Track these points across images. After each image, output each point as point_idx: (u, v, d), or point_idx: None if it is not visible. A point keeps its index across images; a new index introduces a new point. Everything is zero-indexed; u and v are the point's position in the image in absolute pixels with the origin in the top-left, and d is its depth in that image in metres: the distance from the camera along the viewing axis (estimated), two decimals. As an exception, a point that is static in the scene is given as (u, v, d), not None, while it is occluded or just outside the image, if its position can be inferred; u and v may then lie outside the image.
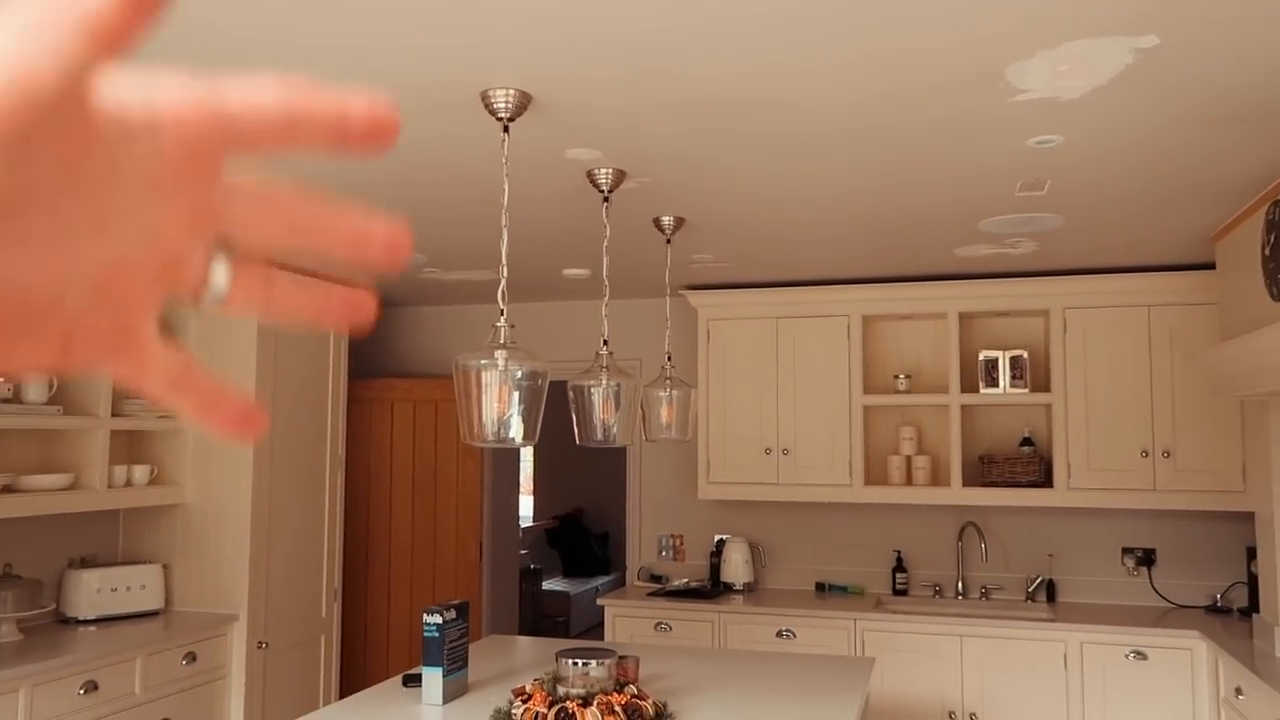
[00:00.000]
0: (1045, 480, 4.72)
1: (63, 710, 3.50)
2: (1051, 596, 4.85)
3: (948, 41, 2.04)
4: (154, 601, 4.26)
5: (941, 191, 3.27)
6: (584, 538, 9.30)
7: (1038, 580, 4.85)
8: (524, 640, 3.79)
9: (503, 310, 2.27)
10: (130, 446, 4.52)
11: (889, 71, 2.22)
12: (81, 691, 3.56)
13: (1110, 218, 3.62)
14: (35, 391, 3.84)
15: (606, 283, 3.01)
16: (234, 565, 4.39)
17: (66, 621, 4.06)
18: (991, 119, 2.53)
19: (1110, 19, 1.93)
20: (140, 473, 4.27)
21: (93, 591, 4.07)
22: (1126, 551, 4.79)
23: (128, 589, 4.18)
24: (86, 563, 4.30)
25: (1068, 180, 3.11)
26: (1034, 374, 4.88)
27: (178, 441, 4.49)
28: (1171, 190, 3.24)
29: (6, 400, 3.73)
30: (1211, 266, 4.39)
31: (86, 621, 4.05)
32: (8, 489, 3.75)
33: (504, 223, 2.32)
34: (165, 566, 4.45)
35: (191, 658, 4.09)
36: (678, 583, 5.21)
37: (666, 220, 3.62)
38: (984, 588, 4.96)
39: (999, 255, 4.32)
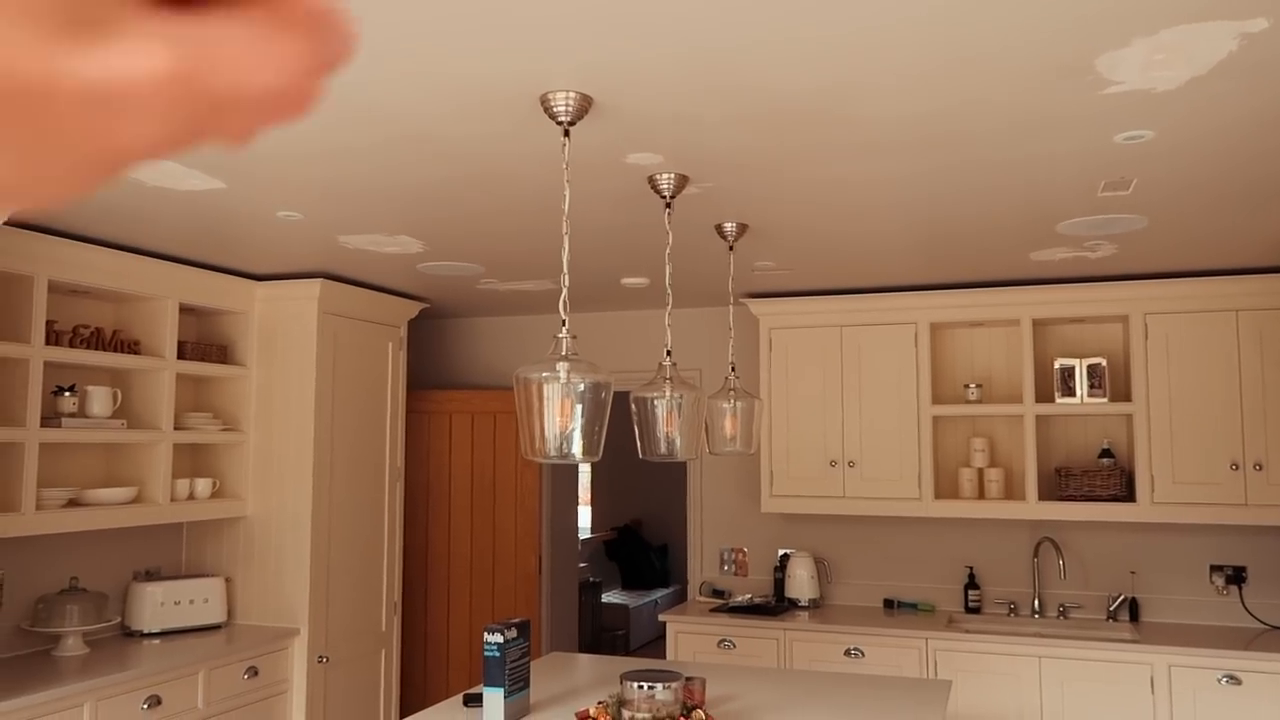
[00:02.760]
0: (1127, 494, 4.51)
1: (126, 725, 3.50)
2: (1135, 616, 4.62)
3: (1032, 35, 1.92)
4: (216, 615, 4.26)
5: (1017, 194, 3.12)
6: (642, 550, 9.21)
7: (1120, 599, 4.63)
8: (585, 658, 3.70)
9: (564, 320, 2.19)
10: (193, 460, 4.54)
11: (965, 75, 2.10)
12: (145, 706, 3.56)
13: (1198, 217, 3.43)
14: (100, 405, 3.86)
15: (670, 291, 2.92)
16: (295, 579, 4.38)
17: (131, 634, 4.08)
18: (1077, 115, 2.39)
19: (1215, 1, 1.79)
20: (203, 486, 4.29)
21: (157, 605, 4.09)
22: (1215, 569, 4.55)
23: (191, 602, 4.19)
24: (151, 576, 4.32)
25: (1155, 178, 2.94)
26: (1113, 382, 4.67)
27: (239, 454, 4.50)
28: (1266, 187, 3.05)
29: (72, 415, 3.75)
30: (1305, 268, 4.16)
31: (151, 635, 4.06)
32: (73, 503, 3.78)
33: (565, 230, 2.24)
34: (228, 580, 4.46)
35: (253, 672, 4.08)
36: (741, 598, 5.08)
37: (729, 227, 3.52)
38: (1062, 606, 4.75)
39: (1076, 259, 4.13)
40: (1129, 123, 2.44)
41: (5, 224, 3.38)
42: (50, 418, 3.68)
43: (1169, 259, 4.14)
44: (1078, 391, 4.59)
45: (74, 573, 4.01)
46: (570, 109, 2.24)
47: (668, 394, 2.77)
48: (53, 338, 3.67)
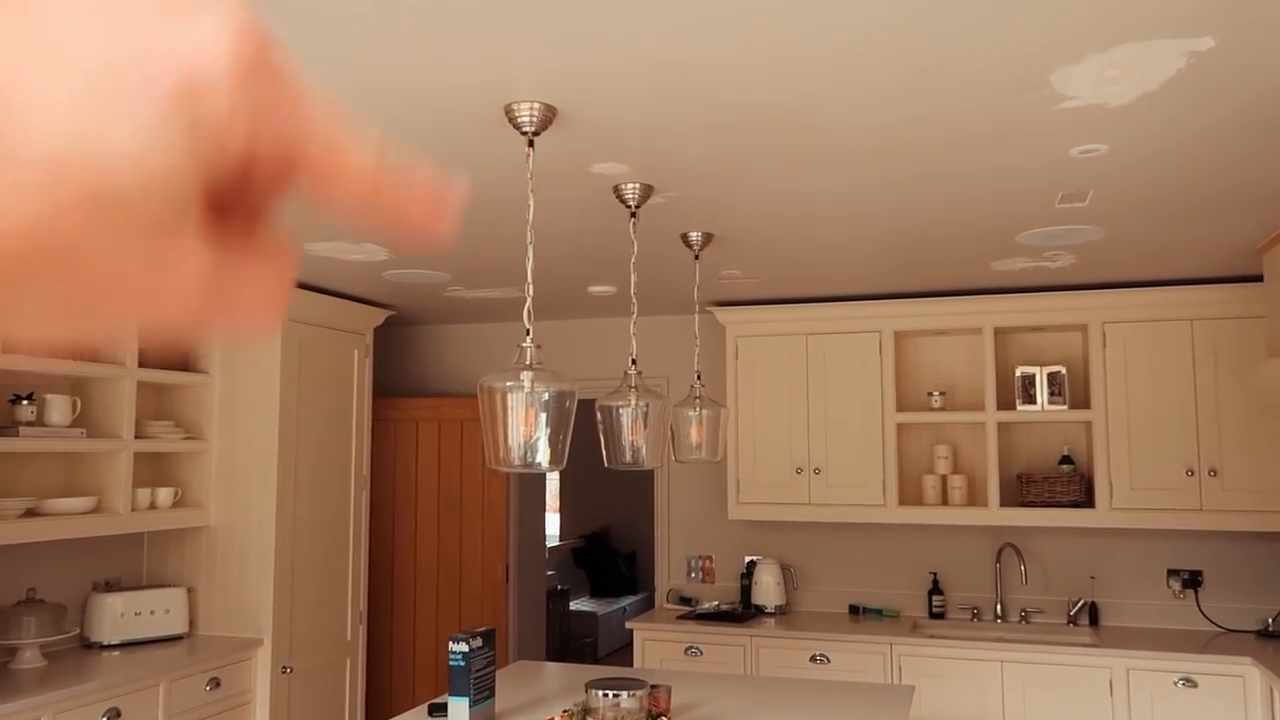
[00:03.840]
0: (1086, 500, 4.58)
1: (85, 738, 3.44)
2: (1094, 620, 4.70)
3: (990, 49, 1.96)
4: (178, 626, 4.21)
5: (978, 205, 3.17)
6: (611, 557, 9.20)
7: (1080, 603, 4.71)
8: (552, 666, 3.70)
9: (528, 330, 2.19)
10: (155, 469, 4.49)
11: (926, 89, 2.13)
12: (104, 719, 3.51)
13: (1153, 229, 3.51)
14: (58, 413, 3.81)
15: (635, 300, 2.93)
16: (258, 588, 4.34)
17: (90, 646, 4.02)
18: (1034, 129, 2.44)
19: (1164, 20, 1.84)
20: (164, 495, 4.24)
21: (117, 616, 4.03)
22: (1172, 573, 4.64)
23: (151, 613, 4.14)
24: (111, 586, 4.26)
25: (1111, 190, 3.00)
26: (1073, 390, 4.75)
27: (202, 463, 4.46)
28: (1218, 200, 3.12)
29: (30, 423, 3.70)
30: (1258, 279, 4.26)
31: (111, 646, 4.01)
32: (31, 512, 3.72)
33: (529, 239, 2.25)
34: (190, 590, 4.41)
35: (216, 683, 4.03)
36: (708, 605, 5.10)
37: (695, 236, 3.54)
38: (1024, 611, 4.82)
39: (1036, 269, 4.21)
40: (1084, 136, 2.49)
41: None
42: (7, 426, 3.63)
43: (1126, 269, 4.22)
44: (1038, 399, 4.66)
45: (32, 584, 3.94)
46: (534, 119, 2.25)
47: (633, 402, 2.78)
48: (9, 346, 3.62)
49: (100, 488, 4.01)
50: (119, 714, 3.57)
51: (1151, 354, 4.46)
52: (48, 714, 3.31)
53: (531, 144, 2.30)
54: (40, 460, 3.98)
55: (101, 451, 3.99)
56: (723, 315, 5.05)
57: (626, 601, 8.83)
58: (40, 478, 3.98)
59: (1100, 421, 4.50)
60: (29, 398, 3.72)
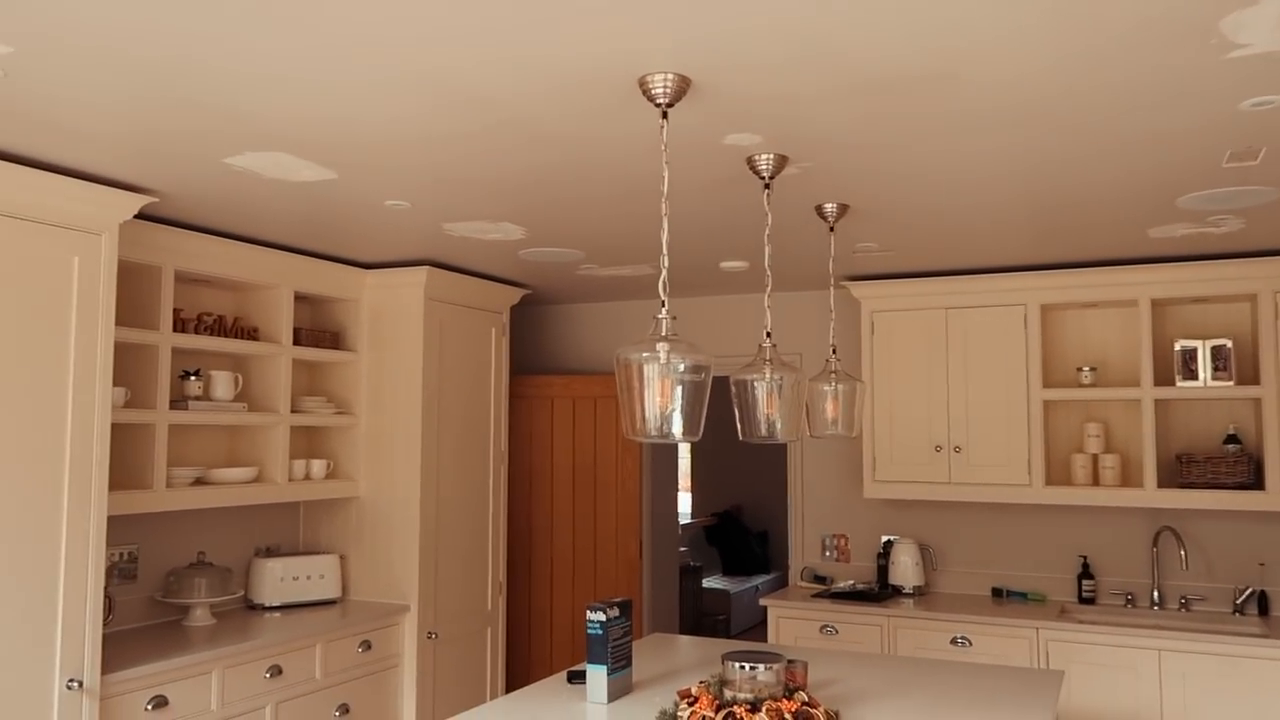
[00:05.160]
0: (1255, 482, 4.29)
1: (252, 691, 3.68)
2: (1264, 609, 4.40)
3: (1152, -7, 1.83)
4: (332, 590, 4.44)
5: (1132, 166, 2.99)
6: (743, 535, 9.19)
7: (1247, 591, 4.41)
8: (686, 640, 3.72)
9: (664, 301, 2.20)
10: (308, 442, 4.73)
11: (1072, 32, 2.01)
12: (268, 675, 3.73)
13: (1335, 188, 3.23)
14: (223, 388, 4.05)
15: (769, 272, 2.90)
16: (404, 557, 4.53)
17: (254, 607, 4.28)
18: (1198, 80, 2.27)
19: (1354, -48, 1.68)
20: (318, 467, 4.46)
21: (277, 580, 4.28)
22: (1353, 562, 4.29)
23: (308, 578, 4.37)
24: (271, 552, 4.52)
25: (1286, 147, 2.78)
26: (1239, 365, 4.44)
27: (351, 437, 4.67)
28: None
29: (198, 398, 3.95)
30: None
31: (271, 608, 4.26)
32: (200, 481, 3.98)
33: (664, 211, 2.25)
34: (342, 557, 4.64)
35: (367, 646, 4.23)
36: (843, 584, 5.03)
37: (830, 207, 3.47)
38: (1184, 598, 4.55)
39: (1199, 235, 3.94)
40: (1256, 88, 2.31)
41: (135, 217, 3.57)
42: (178, 400, 3.89)
43: (1302, 233, 3.90)
44: (1201, 374, 4.38)
45: (201, 548, 4.22)
46: (668, 90, 2.24)
47: (768, 376, 2.75)
48: (179, 325, 3.88)
49: (260, 459, 4.26)
50: (280, 670, 3.79)
51: (1331, 325, 4.12)
52: (219, 668, 3.55)
53: (665, 115, 2.29)
54: (206, 433, 4.25)
55: (261, 425, 4.23)
56: (858, 290, 4.94)
57: (759, 580, 8.80)
58: (206, 449, 4.25)
59: (1272, 398, 4.19)
60: (196, 374, 3.97)
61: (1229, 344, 4.36)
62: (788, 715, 2.41)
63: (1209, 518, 4.57)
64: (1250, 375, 4.39)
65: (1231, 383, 4.32)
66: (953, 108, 2.47)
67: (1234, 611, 4.44)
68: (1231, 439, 4.41)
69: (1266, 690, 3.88)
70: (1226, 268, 4.28)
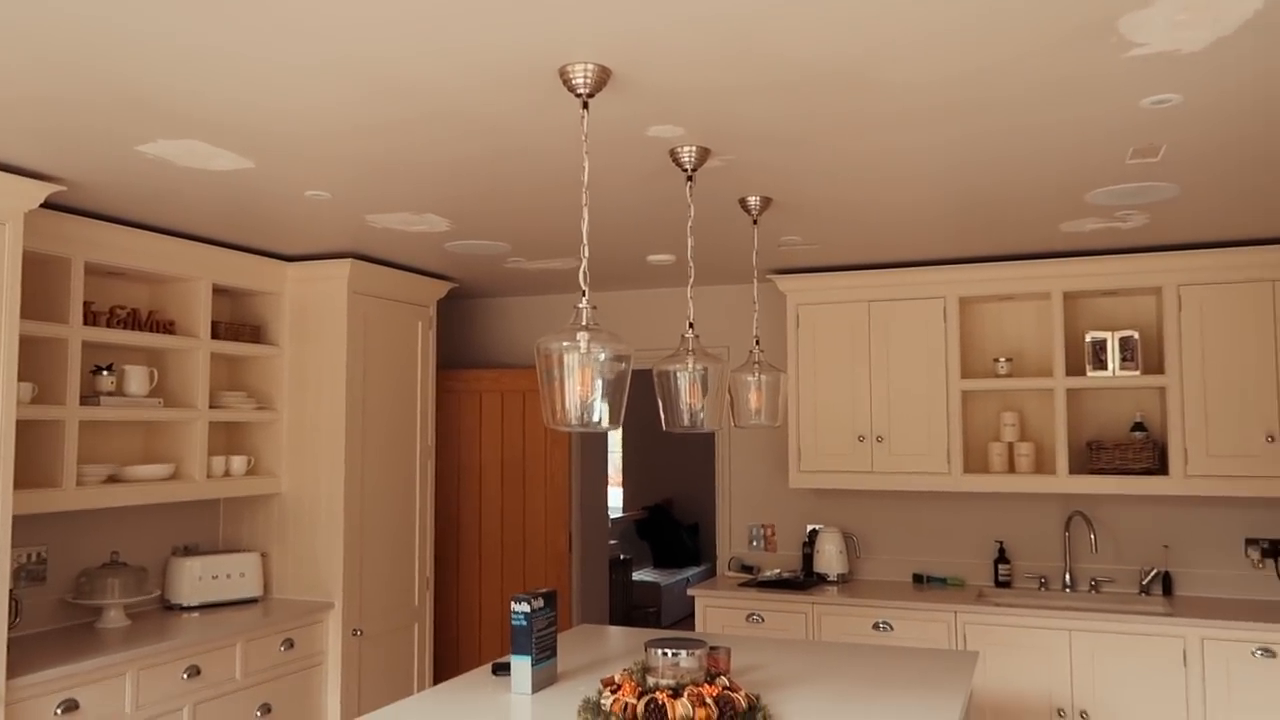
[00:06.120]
0: (1160, 467, 4.46)
1: (168, 693, 3.59)
2: (1168, 589, 4.59)
3: (1054, -8, 1.90)
4: (253, 589, 4.35)
5: (1044, 162, 3.09)
6: (674, 529, 9.25)
7: (1152, 572, 4.60)
8: (614, 630, 3.74)
9: (584, 291, 2.21)
10: (228, 437, 4.62)
11: (986, 34, 2.08)
12: (185, 675, 3.65)
13: (1231, 185, 3.38)
14: (137, 384, 3.94)
15: (691, 264, 2.92)
16: (329, 554, 4.46)
17: (171, 608, 4.18)
18: (1101, 79, 2.36)
19: (1239, -43, 1.76)
20: (238, 463, 4.37)
21: (195, 579, 4.18)
22: (1250, 542, 4.50)
23: (228, 576, 4.28)
24: (189, 551, 4.42)
25: (1185, 144, 2.90)
26: (1146, 355, 4.62)
27: (273, 433, 4.58)
28: (1301, 152, 2.99)
29: (110, 393, 3.84)
30: (1344, 236, 4.08)
31: (190, 608, 4.16)
32: (113, 479, 3.87)
33: (584, 201, 2.25)
34: (264, 555, 4.55)
35: (289, 644, 4.16)
36: (770, 573, 5.10)
37: (753, 200, 3.51)
38: (1094, 580, 4.72)
39: (1108, 230, 4.08)
40: (1155, 86, 2.41)
41: (42, 206, 3.45)
42: (89, 396, 3.77)
43: (1202, 229, 4.07)
44: (1110, 365, 4.54)
45: (115, 548, 4.11)
46: (589, 81, 2.25)
47: (690, 366, 2.78)
48: (90, 318, 3.76)
49: (177, 456, 4.16)
50: (199, 671, 3.71)
51: (1230, 317, 4.31)
52: (133, 670, 3.45)
53: (586, 105, 2.30)
54: (120, 429, 4.13)
55: (178, 421, 4.12)
56: (783, 283, 5.01)
57: (690, 573, 8.87)
58: (121, 446, 4.13)
59: (1175, 387, 4.37)
60: (109, 369, 3.85)
61: (1136, 335, 4.53)
62: (709, 700, 2.44)
63: (1117, 502, 4.74)
64: (1155, 365, 4.57)
65: (1138, 372, 4.50)
66: (870, 105, 2.52)
67: (1140, 592, 4.62)
68: (1138, 426, 4.59)
69: (1168, 665, 4.05)
70: (1133, 261, 4.44)
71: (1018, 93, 2.45)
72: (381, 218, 3.81)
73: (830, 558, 4.97)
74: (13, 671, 3.10)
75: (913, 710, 2.66)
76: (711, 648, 2.82)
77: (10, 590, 3.19)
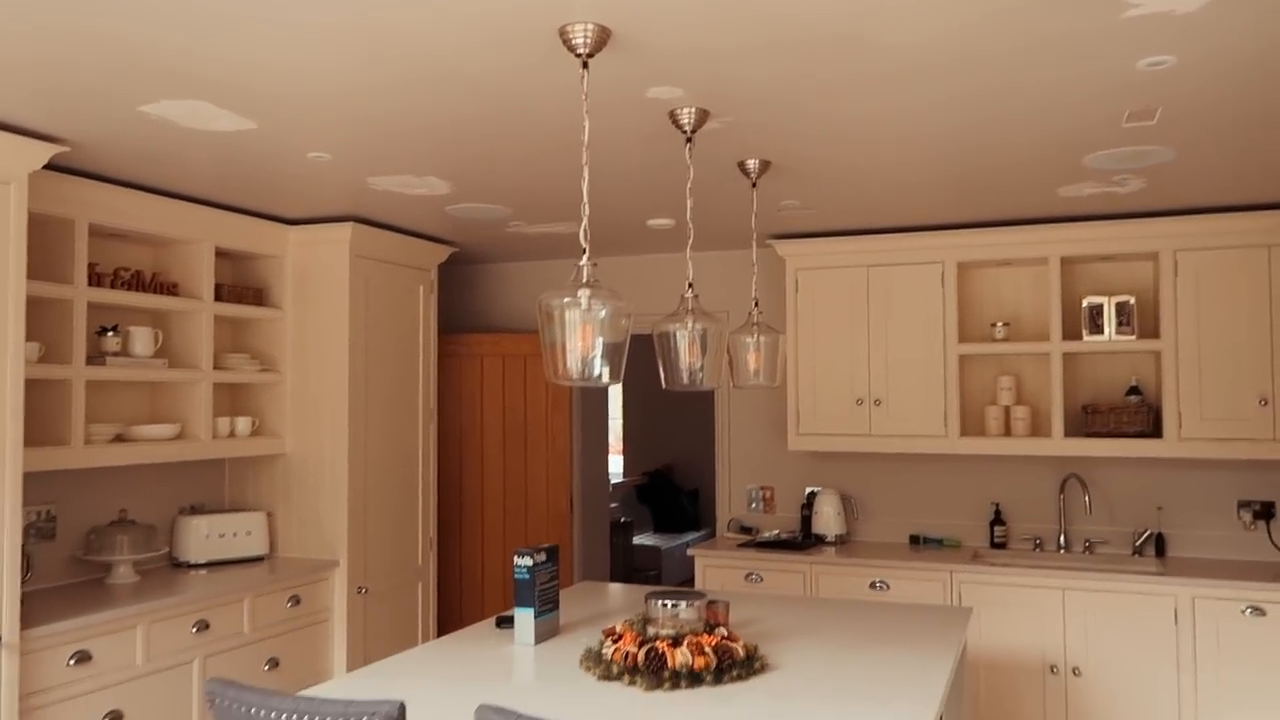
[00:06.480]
0: (1154, 430, 4.52)
1: (178, 646, 3.67)
2: (1161, 550, 4.66)
3: (1051, -49, 1.92)
4: (259, 548, 4.43)
5: (1042, 124, 3.11)
6: (674, 494, 9.33)
7: (1145, 534, 4.67)
8: (615, 586, 3.81)
9: (584, 249, 2.24)
10: (233, 399, 4.68)
11: (986, -12, 2.10)
12: (194, 630, 3.73)
13: (1228, 149, 3.40)
14: (141, 344, 3.99)
15: (691, 226, 2.96)
16: (333, 514, 4.53)
17: (179, 565, 4.25)
18: (1097, 39, 2.38)
19: (1233, -85, 1.78)
20: (242, 424, 4.42)
21: (202, 537, 4.25)
22: (1243, 505, 4.56)
23: (234, 535, 4.35)
24: (196, 510, 4.48)
25: (1181, 108, 2.92)
26: (1142, 320, 4.66)
27: (277, 394, 4.63)
28: (1297, 114, 3.01)
29: (116, 354, 3.88)
30: (1340, 200, 4.10)
31: (197, 565, 4.23)
32: (120, 438, 3.92)
33: (584, 160, 2.28)
34: (269, 514, 4.62)
35: (296, 601, 4.24)
36: (768, 534, 5.17)
37: (751, 163, 3.53)
38: (1088, 541, 4.79)
39: (1105, 195, 4.11)
40: (1150, 47, 2.43)
41: (45, 167, 3.48)
42: (95, 357, 3.82)
43: (1200, 194, 4.10)
44: (1106, 329, 4.58)
45: (123, 506, 4.17)
46: (589, 41, 2.27)
47: (690, 325, 2.82)
48: (95, 279, 3.79)
49: (183, 416, 4.21)
50: (207, 625, 3.79)
51: (1225, 282, 4.35)
52: (144, 623, 3.53)
53: (586, 66, 2.33)
54: (126, 390, 4.18)
55: (182, 381, 4.17)
56: (782, 248, 5.04)
57: (690, 537, 8.96)
58: (127, 406, 4.19)
59: (1170, 351, 4.41)
60: (114, 329, 3.90)
61: (1132, 300, 4.56)
62: (708, 649, 2.50)
63: (1112, 465, 4.80)
64: (1151, 329, 4.61)
65: (1134, 337, 4.54)
66: (867, 66, 2.54)
67: (1133, 553, 4.69)
68: (1133, 390, 4.64)
69: (1159, 623, 4.13)
70: (1130, 227, 4.47)
71: (1011, 50, 2.47)
72: (383, 180, 3.83)
73: (828, 519, 5.04)
74: (27, 623, 3.17)
75: (907, 661, 2.73)
76: (710, 600, 2.89)
77: (22, 546, 3.26)
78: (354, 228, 4.53)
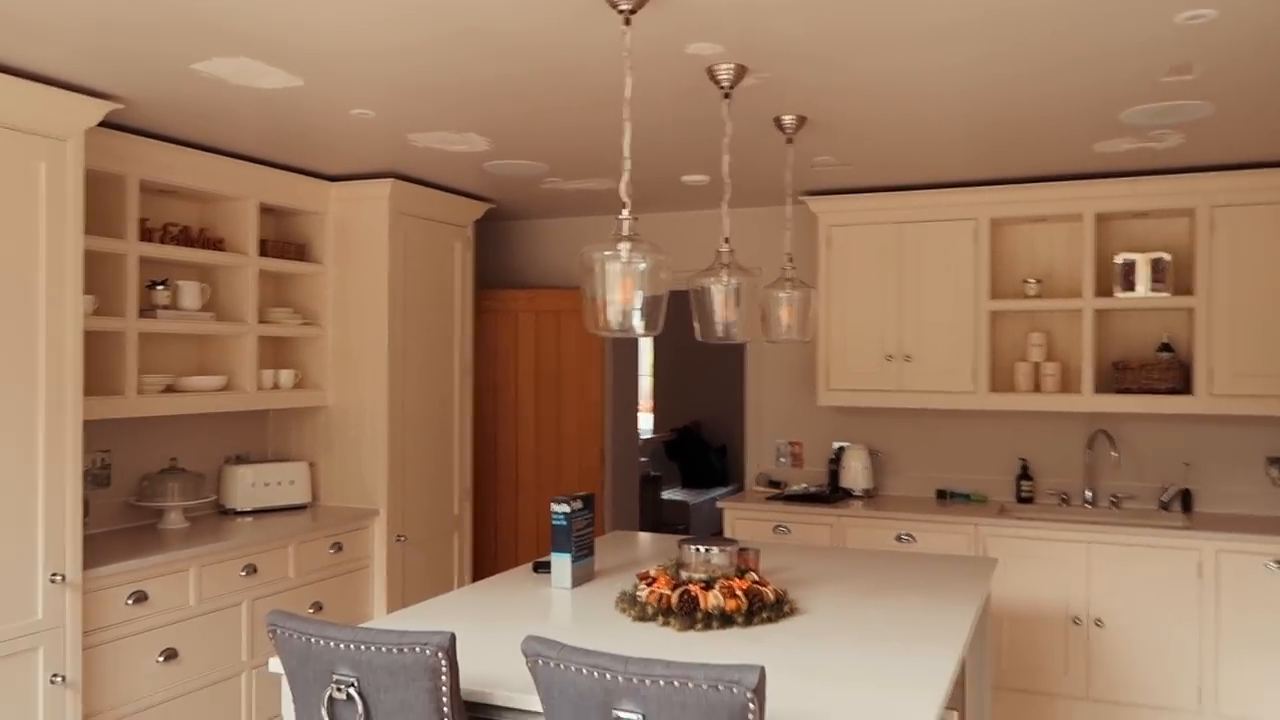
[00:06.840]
0: (1184, 387, 4.53)
1: (228, 589, 3.83)
2: (1187, 506, 4.69)
3: (1089, -94, 1.93)
4: (302, 496, 4.57)
5: (1078, 79, 3.11)
6: (702, 450, 9.43)
7: (1172, 490, 4.70)
8: (645, 536, 3.91)
9: (625, 203, 2.30)
10: (276, 352, 4.80)
11: (1024, -56, 2.11)
12: (243, 573, 3.88)
13: (1268, 104, 3.38)
14: (190, 299, 4.10)
15: (728, 180, 3.00)
16: (373, 465, 4.66)
17: (225, 512, 4.41)
18: (1136, -7, 2.38)
19: None
20: (286, 377, 4.55)
21: (248, 485, 4.40)
22: (1272, 461, 4.58)
23: (279, 484, 4.49)
24: (241, 459, 4.63)
25: (1220, 62, 2.91)
26: (1177, 277, 4.65)
27: (319, 348, 4.75)
28: (1338, 69, 3.00)
29: (166, 307, 4.00)
30: (1381, 157, 4.06)
31: (243, 513, 4.38)
32: (170, 389, 4.06)
33: (626, 115, 2.33)
34: (311, 464, 4.76)
35: (338, 547, 4.39)
36: (796, 488, 5.25)
37: (788, 119, 3.56)
38: (1114, 496, 4.84)
39: (1141, 150, 4.09)
40: (1189, 1, 2.43)
41: (99, 125, 3.57)
42: (147, 309, 3.94)
43: (1238, 150, 4.07)
44: (1139, 286, 4.58)
45: (173, 454, 4.32)
46: (630, -3, 2.31)
47: (724, 280, 2.88)
48: (145, 235, 3.90)
49: (229, 368, 4.34)
50: (255, 570, 3.94)
51: (1262, 238, 4.33)
52: (195, 566, 3.68)
53: (628, 22, 2.37)
54: (175, 342, 4.31)
55: (229, 334, 4.30)
56: (815, 205, 5.06)
57: (717, 493, 9.07)
58: (176, 358, 4.32)
59: (1203, 308, 4.41)
60: (164, 284, 4.01)
61: (1167, 257, 4.56)
62: (739, 592, 2.60)
63: (1140, 421, 4.83)
64: (1185, 286, 4.61)
65: (1168, 294, 4.54)
66: (903, 22, 2.56)
67: (1160, 508, 4.73)
68: (1165, 347, 4.64)
69: (1184, 577, 4.18)
70: (1166, 183, 4.45)
71: (1053, 2, 2.48)
72: (423, 136, 3.90)
73: (856, 473, 5.11)
74: (87, 563, 3.32)
75: (931, 609, 2.81)
76: (741, 548, 2.98)
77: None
78: (394, 184, 4.61)
